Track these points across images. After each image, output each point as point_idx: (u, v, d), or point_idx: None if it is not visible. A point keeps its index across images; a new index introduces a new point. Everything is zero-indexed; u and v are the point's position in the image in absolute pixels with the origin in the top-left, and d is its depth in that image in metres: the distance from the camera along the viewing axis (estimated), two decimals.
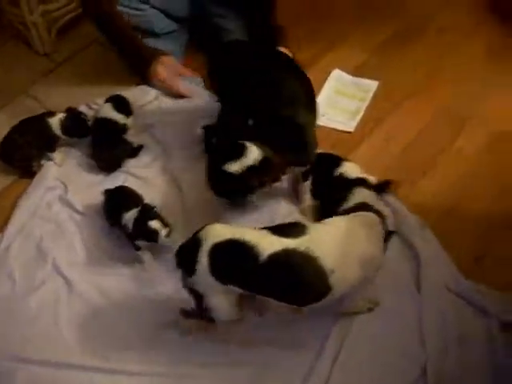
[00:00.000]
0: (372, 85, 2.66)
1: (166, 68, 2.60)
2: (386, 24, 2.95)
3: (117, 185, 2.30)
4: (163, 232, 2.02)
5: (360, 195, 2.07)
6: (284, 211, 2.23)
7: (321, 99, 2.59)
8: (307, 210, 2.21)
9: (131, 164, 2.45)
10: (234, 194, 2.02)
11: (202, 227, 1.71)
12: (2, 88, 2.80)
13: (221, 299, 1.70)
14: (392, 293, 1.99)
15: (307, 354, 1.85)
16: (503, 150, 2.42)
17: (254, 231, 1.68)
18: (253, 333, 1.91)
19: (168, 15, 2.72)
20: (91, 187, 2.38)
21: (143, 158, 2.47)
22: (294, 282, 1.65)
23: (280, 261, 1.61)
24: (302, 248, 1.61)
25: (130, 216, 2.06)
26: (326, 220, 1.78)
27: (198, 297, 1.71)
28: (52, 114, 2.46)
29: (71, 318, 2.02)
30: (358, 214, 1.81)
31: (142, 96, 2.66)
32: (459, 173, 2.34)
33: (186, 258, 1.69)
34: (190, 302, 1.76)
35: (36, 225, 2.28)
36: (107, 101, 2.48)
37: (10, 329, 2.01)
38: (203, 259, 1.62)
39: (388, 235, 1.84)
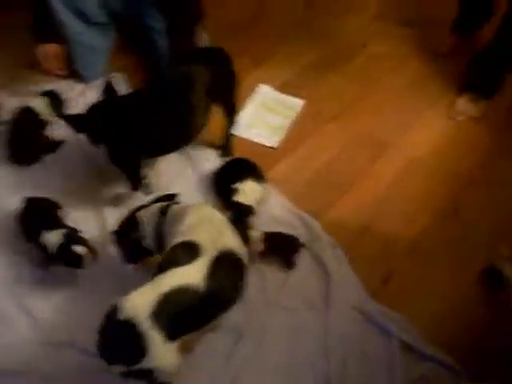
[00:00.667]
0: (298, 103, 2.70)
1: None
2: (319, 45, 3.00)
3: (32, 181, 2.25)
4: (88, 257, 1.93)
5: None
6: None
7: (246, 112, 2.62)
8: None
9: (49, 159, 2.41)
10: None
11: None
12: None
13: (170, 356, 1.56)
14: (301, 308, 2.02)
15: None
16: (418, 174, 2.49)
17: None
18: None
19: (104, 7, 2.66)
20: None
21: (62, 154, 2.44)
22: None
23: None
24: None
25: (52, 238, 1.95)
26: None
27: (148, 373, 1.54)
28: None
29: None
30: None
31: (68, 90, 2.64)
32: (374, 195, 2.39)
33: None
34: None
35: None
36: (42, 95, 2.47)
37: None
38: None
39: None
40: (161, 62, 2.64)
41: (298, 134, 2.59)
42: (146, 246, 1.89)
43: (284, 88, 2.78)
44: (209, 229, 1.71)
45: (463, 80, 2.78)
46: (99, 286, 2.01)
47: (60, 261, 1.94)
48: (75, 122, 2.08)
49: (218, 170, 2.36)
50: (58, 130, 2.45)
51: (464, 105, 2.70)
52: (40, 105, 2.43)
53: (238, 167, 2.32)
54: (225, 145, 2.47)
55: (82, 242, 1.95)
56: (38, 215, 2.06)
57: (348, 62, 2.95)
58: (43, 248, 1.96)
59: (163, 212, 1.85)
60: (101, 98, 2.11)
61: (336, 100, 2.76)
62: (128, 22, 2.75)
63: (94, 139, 2.08)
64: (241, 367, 1.86)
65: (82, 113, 2.10)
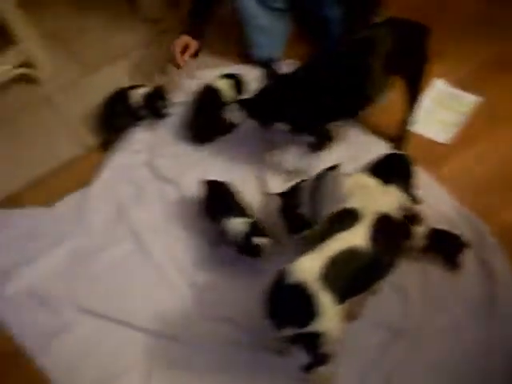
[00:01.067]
0: (473, 100, 2.58)
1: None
2: (499, 42, 2.82)
3: (203, 161, 2.35)
4: (268, 248, 1.97)
5: None
6: None
7: (420, 107, 2.54)
8: None
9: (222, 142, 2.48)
10: None
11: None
12: (104, 49, 2.90)
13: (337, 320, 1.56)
14: (463, 314, 1.96)
15: None
16: None
17: None
18: None
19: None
20: (178, 156, 2.42)
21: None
22: None
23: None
24: None
25: (237, 226, 1.99)
26: None
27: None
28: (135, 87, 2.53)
29: (141, 281, 2.07)
30: None
31: (245, 75, 2.67)
32: None
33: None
34: None
35: (119, 185, 2.34)
36: (225, 77, 2.53)
37: (79, 281, 2.08)
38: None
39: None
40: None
41: (471, 132, 2.48)
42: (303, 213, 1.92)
43: (459, 84, 2.66)
44: (365, 195, 1.75)
45: None
46: (256, 268, 2.05)
47: (240, 248, 2.00)
48: (248, 106, 2.16)
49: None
50: (235, 112, 2.49)
51: None
52: (225, 86, 2.50)
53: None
54: (401, 136, 2.40)
55: (265, 233, 1.99)
56: (222, 201, 2.11)
57: None
58: (222, 232, 2.02)
59: (319, 177, 1.89)
60: (263, 81, 2.19)
61: None
62: (305, 11, 2.75)
63: (265, 121, 2.16)
64: (395, 365, 1.84)
65: (253, 97, 2.18)
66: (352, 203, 1.72)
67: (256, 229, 1.98)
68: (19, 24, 2.56)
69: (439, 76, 2.65)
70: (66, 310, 1.99)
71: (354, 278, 1.59)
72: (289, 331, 1.52)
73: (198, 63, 2.70)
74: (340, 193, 1.78)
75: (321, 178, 1.90)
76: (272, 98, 2.16)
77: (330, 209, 1.75)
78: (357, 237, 1.61)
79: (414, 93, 2.28)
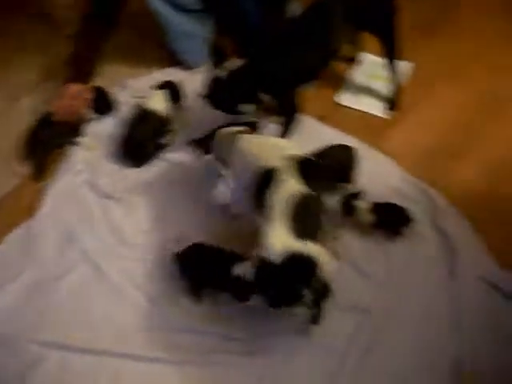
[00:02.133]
0: (405, 66, 2.58)
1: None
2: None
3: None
4: None
5: None
6: None
7: (352, 82, 2.57)
8: None
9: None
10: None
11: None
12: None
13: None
14: (425, 281, 1.96)
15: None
16: None
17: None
18: None
19: None
20: (119, 172, 2.38)
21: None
22: None
23: None
24: None
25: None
26: None
27: None
28: None
29: (100, 303, 2.02)
30: None
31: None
32: (496, 158, 2.27)
33: None
34: None
35: (65, 209, 2.28)
36: (158, 87, 2.46)
37: (40, 314, 2.01)
38: None
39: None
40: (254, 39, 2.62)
41: (409, 99, 2.49)
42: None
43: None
44: (266, 151, 1.86)
45: None
46: None
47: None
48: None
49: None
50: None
51: None
52: (157, 104, 2.40)
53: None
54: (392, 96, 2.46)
55: None
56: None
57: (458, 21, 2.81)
58: None
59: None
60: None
61: (446, 61, 2.64)
62: (221, 8, 2.72)
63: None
64: (366, 348, 1.83)
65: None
66: (264, 161, 1.80)
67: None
68: None
69: (367, 50, 2.64)
70: (29, 348, 1.92)
71: (313, 218, 1.70)
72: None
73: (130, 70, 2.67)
74: (240, 150, 1.91)
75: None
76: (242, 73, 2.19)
77: (238, 164, 1.92)
78: (295, 185, 1.69)
79: (388, 48, 2.31)
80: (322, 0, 2.19)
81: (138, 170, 2.38)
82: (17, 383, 1.86)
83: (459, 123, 2.40)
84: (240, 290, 1.78)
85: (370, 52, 2.65)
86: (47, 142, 2.43)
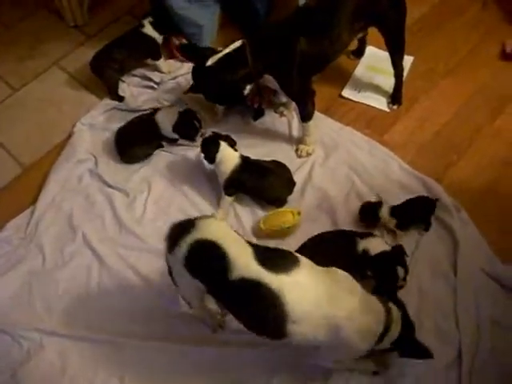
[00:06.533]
0: (407, 60, 2.55)
1: None
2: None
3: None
4: None
5: None
6: None
7: (355, 76, 2.56)
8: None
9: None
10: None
11: (202, 216, 1.64)
12: (35, 57, 2.83)
13: (186, 288, 1.71)
14: (429, 275, 1.97)
15: None
16: None
17: (242, 246, 1.57)
18: None
19: None
20: (121, 162, 2.39)
21: None
22: (253, 312, 1.55)
23: (247, 287, 1.51)
24: (274, 286, 1.48)
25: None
26: (327, 269, 1.60)
27: (170, 273, 1.70)
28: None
29: (101, 291, 2.03)
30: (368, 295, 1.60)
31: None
32: (496, 154, 2.27)
33: (172, 236, 1.61)
34: None
35: (66, 198, 2.29)
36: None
37: (38, 302, 2.03)
38: (182, 248, 1.55)
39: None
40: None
41: (410, 93, 2.49)
42: None
43: None
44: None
45: None
46: None
47: None
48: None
49: None
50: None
51: None
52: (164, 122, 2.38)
53: None
54: (396, 91, 2.46)
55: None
56: None
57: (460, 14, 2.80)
58: None
59: None
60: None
61: (447, 56, 2.63)
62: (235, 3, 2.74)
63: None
64: None
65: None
66: None
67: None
68: None
69: (368, 43, 2.64)
70: (28, 336, 1.93)
71: None
72: None
73: None
74: None
75: None
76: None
77: None
78: None
79: (396, 45, 2.31)
80: None
81: (140, 160, 2.38)
82: (16, 373, 1.87)
83: (459, 117, 2.41)
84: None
85: (373, 45, 2.64)
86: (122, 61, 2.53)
